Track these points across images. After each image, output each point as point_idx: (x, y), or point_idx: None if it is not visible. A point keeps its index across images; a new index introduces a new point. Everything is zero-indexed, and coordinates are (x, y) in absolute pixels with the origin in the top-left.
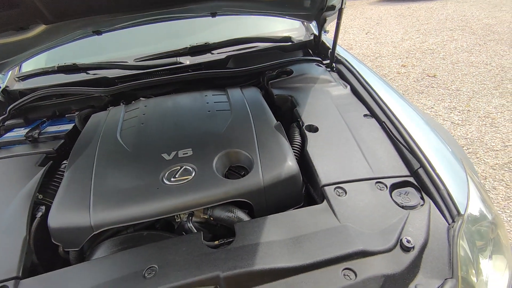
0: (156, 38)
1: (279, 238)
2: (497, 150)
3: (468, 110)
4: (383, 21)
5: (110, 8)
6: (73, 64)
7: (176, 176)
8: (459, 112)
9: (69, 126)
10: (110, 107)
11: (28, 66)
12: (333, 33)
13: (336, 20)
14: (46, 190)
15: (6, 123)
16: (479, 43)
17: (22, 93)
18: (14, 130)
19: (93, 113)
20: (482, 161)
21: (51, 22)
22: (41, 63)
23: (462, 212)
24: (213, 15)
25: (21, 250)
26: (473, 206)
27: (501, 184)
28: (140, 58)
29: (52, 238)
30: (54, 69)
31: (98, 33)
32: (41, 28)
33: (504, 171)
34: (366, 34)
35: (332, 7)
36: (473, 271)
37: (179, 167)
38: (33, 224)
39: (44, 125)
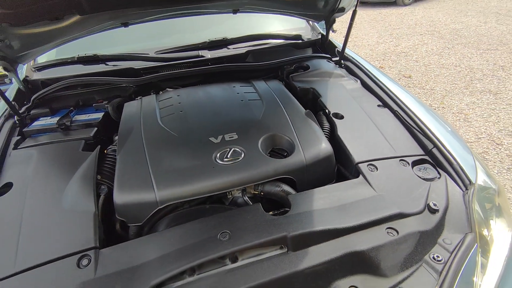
0: (174, 31)
1: (329, 206)
2: (471, 142)
3: (443, 107)
4: (357, 25)
5: (143, 1)
6: (94, 55)
7: (228, 156)
8: (435, 109)
9: (98, 115)
10: (139, 97)
11: (42, 57)
12: (340, 32)
13: (349, 20)
14: (101, 172)
15: (31, 112)
16: (448, 47)
17: (44, 83)
18: (41, 119)
19: (123, 102)
20: None
21: (86, 13)
22: (52, 54)
23: (473, 181)
24: (235, 12)
25: (94, 224)
26: (480, 177)
27: None
28: (161, 51)
29: (117, 214)
30: (74, 60)
31: (126, 25)
32: (75, 18)
33: None
34: (344, 37)
35: (342, 9)
36: (485, 228)
37: (228, 149)
38: (99, 202)
39: (72, 114)
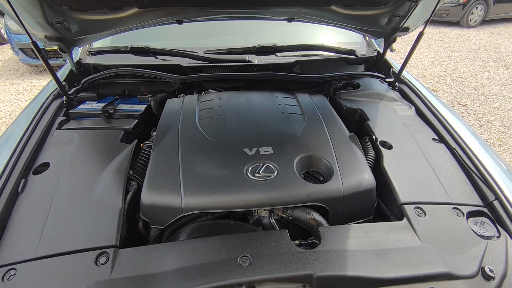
0: (224, 33)
1: (364, 248)
2: None
3: (499, 145)
4: (412, 43)
5: (202, 1)
6: (146, 47)
7: (260, 172)
8: (490, 145)
9: (141, 107)
10: (182, 94)
11: (98, 42)
12: (398, 51)
13: (413, 42)
14: (134, 167)
15: (79, 95)
16: None
17: (96, 67)
18: (87, 103)
19: (166, 98)
20: None
21: (145, 6)
22: (107, 41)
23: None
24: (290, 20)
25: (118, 221)
26: None
27: None
28: (209, 50)
29: (142, 214)
30: (127, 49)
31: (180, 22)
32: (133, 11)
33: None
34: (396, 53)
35: (406, 29)
36: None
37: (261, 164)
38: (127, 198)
39: (117, 102)
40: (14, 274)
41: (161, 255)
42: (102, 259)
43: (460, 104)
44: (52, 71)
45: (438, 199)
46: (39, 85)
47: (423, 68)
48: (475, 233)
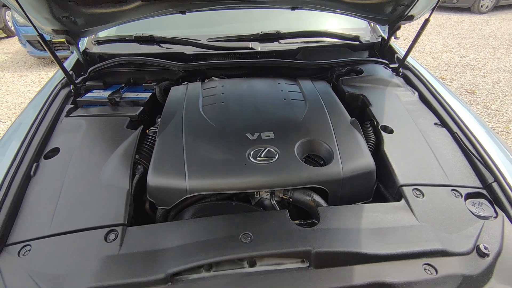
0: (228, 20)
1: (362, 227)
2: None
3: (507, 132)
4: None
5: None
6: (150, 35)
7: (262, 156)
8: (498, 133)
9: (146, 95)
10: (186, 82)
11: (103, 32)
12: (403, 37)
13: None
14: (140, 151)
15: (86, 83)
16: None
17: (102, 57)
18: (94, 91)
19: (171, 85)
20: None
21: (148, 0)
22: (112, 30)
23: None
24: (293, 9)
25: (126, 201)
26: None
27: None
28: (213, 38)
29: (148, 195)
30: (131, 38)
31: (183, 13)
32: (137, 4)
33: None
34: (404, 40)
35: (411, 17)
36: None
37: (263, 148)
38: (133, 180)
39: (123, 90)
40: (29, 250)
41: (167, 232)
42: (111, 236)
43: (468, 92)
44: (59, 61)
45: (436, 181)
46: (47, 77)
47: (432, 55)
48: (472, 213)
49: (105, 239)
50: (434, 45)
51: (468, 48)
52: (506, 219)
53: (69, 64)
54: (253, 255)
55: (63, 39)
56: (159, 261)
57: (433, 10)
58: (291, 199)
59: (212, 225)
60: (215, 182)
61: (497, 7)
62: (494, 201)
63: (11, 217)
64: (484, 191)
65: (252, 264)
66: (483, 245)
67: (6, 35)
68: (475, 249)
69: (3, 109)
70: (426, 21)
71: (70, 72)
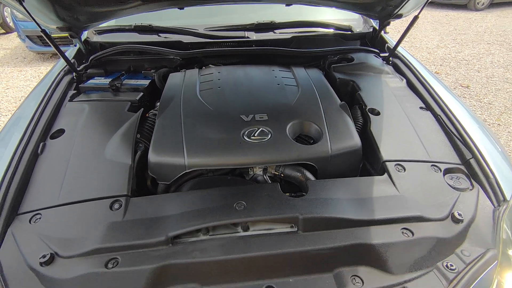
0: (224, 11)
1: (346, 197)
2: None
3: (498, 124)
4: (419, 26)
5: None
6: (149, 25)
7: (255, 135)
8: (489, 125)
9: (145, 81)
10: (184, 70)
11: None
12: (397, 30)
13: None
14: (141, 131)
15: (88, 71)
16: None
17: (102, 45)
18: (95, 78)
19: (169, 72)
20: None
21: (148, 1)
22: (113, 20)
23: (508, 198)
24: (288, 4)
25: (129, 175)
26: None
27: None
28: (210, 28)
29: (149, 171)
30: (131, 28)
31: (181, 8)
32: (137, 3)
33: None
34: (398, 32)
35: (400, 15)
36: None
37: (256, 128)
38: (136, 156)
39: (123, 77)
40: (40, 218)
41: (167, 202)
42: (116, 205)
43: (462, 86)
44: (60, 50)
45: (418, 157)
46: (46, 71)
47: (428, 51)
48: (450, 186)
49: (110, 208)
50: (430, 41)
51: (463, 43)
52: (481, 190)
53: (70, 53)
54: (246, 220)
55: (66, 34)
56: (160, 226)
57: (422, 8)
58: (282, 175)
59: (208, 196)
60: (212, 159)
61: (493, 4)
62: (471, 175)
63: (22, 190)
64: (462, 167)
65: (246, 228)
66: (458, 212)
67: (4, 31)
68: (450, 216)
69: (4, 103)
70: (415, 17)
71: (72, 61)
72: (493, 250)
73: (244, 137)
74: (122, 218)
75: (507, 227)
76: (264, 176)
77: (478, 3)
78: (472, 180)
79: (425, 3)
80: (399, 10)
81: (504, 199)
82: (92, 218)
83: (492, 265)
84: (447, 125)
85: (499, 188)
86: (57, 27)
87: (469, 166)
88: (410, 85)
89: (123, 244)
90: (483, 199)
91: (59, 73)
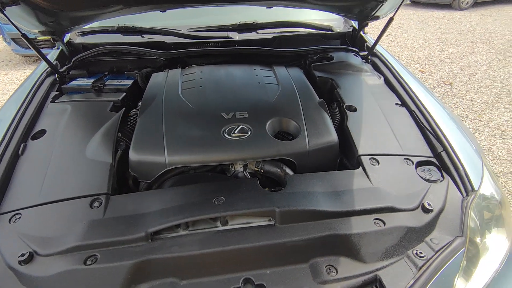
0: (207, 12)
1: (322, 190)
2: (503, 160)
3: (480, 120)
4: (405, 25)
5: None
6: (132, 26)
7: (236, 132)
8: (471, 121)
9: (128, 82)
10: (166, 69)
11: None
12: (374, 29)
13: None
14: (122, 130)
15: (70, 72)
16: (498, 58)
17: (85, 47)
18: (78, 79)
19: (152, 72)
20: None
21: (130, 5)
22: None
23: (475, 189)
24: (269, 7)
25: (109, 173)
26: (485, 187)
27: (503, 190)
28: (193, 28)
29: (130, 169)
30: (114, 29)
31: (163, 10)
32: (119, 7)
33: (508, 179)
34: (387, 36)
35: (377, 17)
36: (479, 235)
37: (237, 126)
38: (116, 155)
39: (106, 78)
40: (19, 218)
41: (147, 199)
42: (96, 203)
43: (446, 84)
44: (42, 53)
45: (391, 151)
46: None
47: (413, 50)
48: (421, 177)
49: (90, 206)
50: (415, 40)
51: (447, 42)
52: (451, 182)
53: (53, 55)
54: (225, 215)
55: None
56: (140, 222)
57: (396, 10)
58: (262, 170)
59: (188, 192)
60: (192, 156)
61: (476, 4)
62: (442, 167)
63: (1, 190)
64: (434, 160)
65: (224, 223)
66: (427, 202)
67: None
68: (420, 206)
69: None
70: (390, 19)
71: (55, 62)
72: (461, 237)
73: (225, 134)
74: (102, 216)
75: (475, 216)
76: (244, 172)
77: (462, 3)
78: (443, 172)
79: (399, 6)
80: (375, 12)
81: (472, 189)
82: (72, 216)
83: (459, 252)
84: (420, 120)
85: (467, 179)
86: (39, 31)
87: (440, 158)
88: (387, 82)
89: (103, 241)
90: (453, 190)
91: (41, 75)
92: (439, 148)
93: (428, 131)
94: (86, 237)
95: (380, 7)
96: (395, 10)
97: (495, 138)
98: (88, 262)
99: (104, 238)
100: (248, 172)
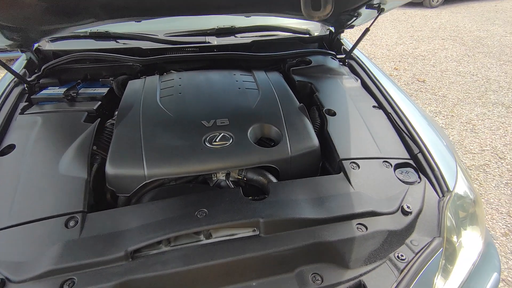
0: (185, 16)
1: (305, 197)
2: (474, 153)
3: (452, 116)
4: (379, 24)
5: (155, 12)
6: (106, 32)
7: (217, 140)
8: (444, 116)
9: (103, 90)
10: (144, 76)
11: None
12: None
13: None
14: (98, 143)
15: (40, 81)
16: (468, 54)
17: (56, 54)
18: (49, 88)
19: (128, 79)
20: None
21: (102, 19)
22: None
23: (451, 189)
24: (248, 16)
25: (84, 189)
26: (459, 186)
27: (475, 183)
28: (170, 33)
29: (107, 184)
30: (86, 35)
31: (138, 20)
32: (90, 20)
33: (479, 171)
34: (372, 45)
35: (352, 26)
36: (455, 234)
37: (218, 133)
38: (92, 169)
39: (79, 86)
40: None
41: (126, 215)
42: (72, 223)
43: (419, 81)
44: (5, 65)
45: (371, 154)
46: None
47: (387, 48)
48: (400, 180)
49: (66, 226)
50: (389, 38)
51: (420, 40)
52: (427, 183)
53: (20, 63)
54: (208, 228)
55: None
56: (119, 240)
57: (372, 23)
58: (245, 178)
59: (169, 206)
60: (172, 167)
61: (447, 1)
62: (419, 169)
63: None
64: (411, 161)
65: (208, 236)
66: (406, 205)
67: None
68: (400, 209)
69: None
70: (366, 30)
71: (23, 71)
72: (438, 238)
73: (206, 143)
74: (79, 236)
75: (451, 215)
76: (227, 182)
77: (433, 0)
78: (420, 173)
79: (375, 19)
80: (350, 23)
81: (448, 190)
82: (46, 238)
83: (438, 252)
84: (397, 123)
85: (443, 180)
86: (6, 45)
87: (417, 160)
88: (364, 85)
89: (80, 263)
90: (430, 191)
91: (8, 84)
92: (416, 150)
93: (404, 133)
94: (62, 260)
95: (354, 20)
96: (371, 22)
97: (466, 133)
98: (65, 287)
99: (81, 259)
100: (231, 181)
